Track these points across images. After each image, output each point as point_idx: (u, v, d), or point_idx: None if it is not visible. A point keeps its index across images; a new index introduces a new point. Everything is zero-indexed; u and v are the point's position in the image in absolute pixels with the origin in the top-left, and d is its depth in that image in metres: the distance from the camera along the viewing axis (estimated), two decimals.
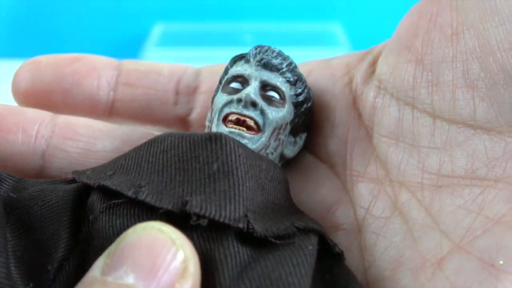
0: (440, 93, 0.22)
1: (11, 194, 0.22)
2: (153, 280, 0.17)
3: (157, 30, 0.72)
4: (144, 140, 0.26)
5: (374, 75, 0.25)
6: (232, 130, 0.23)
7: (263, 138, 0.24)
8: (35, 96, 0.28)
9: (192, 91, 0.29)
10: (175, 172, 0.21)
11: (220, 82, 0.26)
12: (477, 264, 0.20)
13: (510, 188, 0.21)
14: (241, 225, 0.19)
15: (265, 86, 0.24)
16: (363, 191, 0.24)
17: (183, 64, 0.30)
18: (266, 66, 0.25)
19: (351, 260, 0.23)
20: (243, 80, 0.24)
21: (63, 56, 0.28)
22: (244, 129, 0.23)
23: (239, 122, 0.23)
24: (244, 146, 0.22)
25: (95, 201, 0.21)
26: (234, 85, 0.25)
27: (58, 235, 0.20)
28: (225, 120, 0.24)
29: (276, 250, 0.20)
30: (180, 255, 0.17)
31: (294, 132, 0.25)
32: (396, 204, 0.23)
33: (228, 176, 0.20)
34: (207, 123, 0.25)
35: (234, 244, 0.20)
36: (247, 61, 0.25)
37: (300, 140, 0.26)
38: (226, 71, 0.26)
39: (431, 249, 0.21)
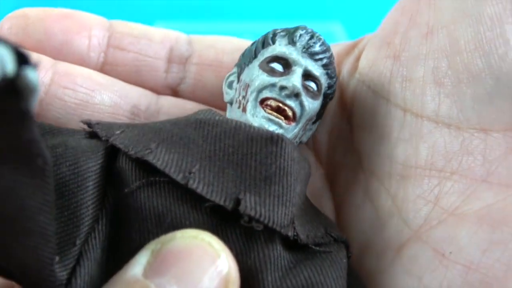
0: (412, 88, 0.23)
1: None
2: None
3: None
4: (144, 100, 0.26)
5: (357, 69, 0.26)
6: (271, 117, 0.23)
7: (297, 129, 0.24)
8: None
9: (184, 60, 0.29)
10: (228, 164, 0.20)
11: (254, 53, 0.25)
12: (431, 253, 0.21)
13: (464, 181, 0.21)
14: (290, 233, 0.20)
15: (306, 75, 0.24)
16: (341, 179, 0.25)
17: (175, 31, 0.29)
18: (312, 55, 0.24)
19: None
20: (286, 64, 0.24)
21: (52, 10, 0.28)
22: (283, 118, 0.23)
23: (278, 110, 0.23)
24: (296, 149, 0.22)
25: (129, 170, 0.20)
26: (275, 65, 0.24)
27: (85, 204, 0.20)
28: (262, 102, 0.23)
29: (315, 259, 0.20)
30: (224, 275, 0.17)
31: (314, 120, 0.25)
32: (367, 192, 0.24)
33: (283, 181, 0.20)
34: (236, 96, 0.24)
35: (278, 248, 0.19)
36: (293, 43, 0.24)
37: (315, 126, 0.26)
38: (264, 44, 0.25)
39: (393, 235, 0.23)
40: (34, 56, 0.26)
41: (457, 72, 0.22)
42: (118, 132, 0.22)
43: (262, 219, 0.19)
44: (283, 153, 0.21)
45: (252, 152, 0.21)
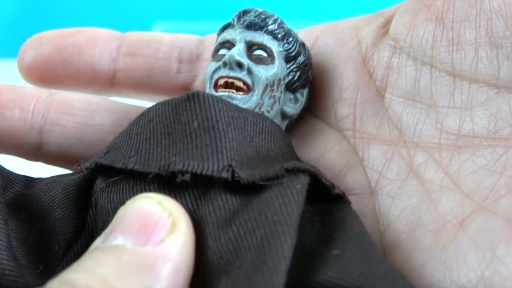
0: (461, 52, 0.21)
1: (24, 192, 0.22)
2: (142, 238, 0.17)
3: (157, 30, 0.72)
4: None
5: (387, 36, 0.24)
6: (222, 93, 0.23)
7: (254, 97, 0.24)
8: (38, 70, 0.28)
9: (195, 58, 0.28)
10: (161, 137, 0.21)
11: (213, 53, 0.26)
12: (503, 223, 0.19)
13: None
14: (224, 175, 0.19)
15: (251, 46, 0.24)
16: (375, 153, 0.23)
17: (186, 34, 0.29)
18: (250, 26, 0.24)
19: (365, 224, 0.22)
20: (230, 45, 0.24)
21: (65, 29, 0.28)
22: (234, 90, 0.23)
23: (227, 85, 0.23)
24: (225, 101, 0.22)
25: (98, 183, 0.21)
26: (222, 51, 0.25)
27: (66, 220, 0.21)
28: (215, 86, 0.24)
29: (264, 192, 0.19)
30: (167, 214, 0.18)
31: (292, 89, 0.25)
32: (411, 166, 0.22)
33: (209, 131, 0.20)
34: None
35: (222, 195, 0.19)
36: (232, 26, 0.25)
37: (302, 96, 0.26)
38: (216, 41, 0.26)
39: (452, 210, 0.21)
40: (33, 88, 0.27)
41: None
42: (92, 158, 0.23)
43: (190, 169, 0.19)
44: (202, 106, 0.21)
45: (177, 118, 0.21)
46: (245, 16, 0.25)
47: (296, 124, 0.26)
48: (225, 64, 0.24)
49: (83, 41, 0.28)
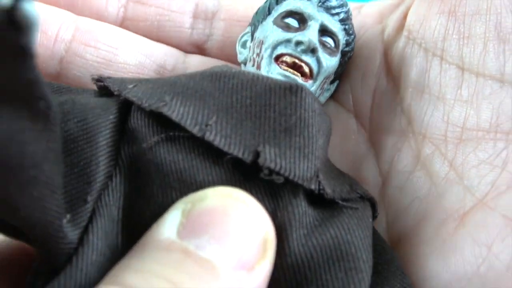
0: (471, 45, 0.21)
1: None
2: (235, 258, 0.16)
3: None
4: (170, 59, 0.24)
5: (405, 26, 0.24)
6: (287, 74, 0.22)
7: (314, 86, 0.22)
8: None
9: (211, 16, 0.27)
10: (246, 116, 0.19)
11: (268, 10, 0.24)
12: (501, 220, 0.20)
13: None
14: (313, 187, 0.18)
15: (323, 31, 0.23)
16: (388, 144, 0.23)
17: None
18: (328, 9, 0.23)
19: None
20: (301, 19, 0.23)
21: None
22: (299, 74, 0.22)
23: (294, 66, 0.22)
24: (317, 101, 0.21)
25: (145, 126, 0.19)
26: (290, 21, 0.23)
27: (96, 160, 0.19)
28: (277, 59, 0.22)
29: (342, 216, 0.19)
30: (263, 236, 0.16)
31: (332, 80, 0.24)
32: (419, 158, 0.22)
33: (304, 132, 0.19)
34: (250, 55, 0.23)
35: (303, 204, 0.18)
36: None
37: (333, 87, 0.25)
38: (277, 0, 0.24)
39: (455, 204, 0.21)
40: (58, 10, 0.25)
41: None
42: (130, 86, 0.21)
43: (282, 171, 0.18)
44: (303, 104, 0.20)
45: (270, 103, 0.20)
46: None
47: None
48: (299, 43, 0.22)
49: None
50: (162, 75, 0.26)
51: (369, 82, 0.25)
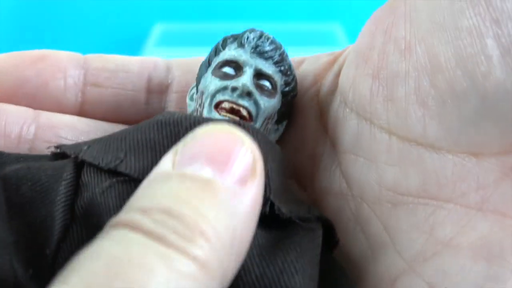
0: (394, 109, 0.21)
1: None
2: (228, 174, 0.16)
3: (157, 30, 0.72)
4: None
5: (338, 88, 0.24)
6: (226, 118, 0.23)
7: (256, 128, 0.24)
8: None
9: (164, 89, 0.28)
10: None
11: (208, 62, 0.25)
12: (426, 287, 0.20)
13: (459, 209, 0.20)
14: (267, 209, 0.19)
15: (259, 75, 0.24)
16: (329, 205, 0.24)
17: (152, 57, 0.28)
18: (261, 54, 0.24)
19: None
20: (237, 66, 0.24)
21: (25, 55, 0.27)
22: (238, 118, 0.23)
23: (233, 111, 0.23)
24: (258, 130, 0.22)
25: (97, 177, 0.20)
26: (227, 70, 0.24)
27: (52, 217, 0.20)
28: (217, 106, 0.23)
29: (294, 237, 0.20)
30: (250, 154, 0.17)
31: (278, 120, 0.25)
32: (358, 220, 0.23)
33: None
34: (193, 104, 0.25)
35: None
36: (241, 46, 0.24)
37: (282, 127, 0.26)
38: (216, 51, 0.25)
39: (387, 267, 0.21)
40: (17, 109, 0.25)
41: (441, 92, 0.20)
42: (85, 147, 0.22)
43: None
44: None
45: None
46: (257, 41, 0.24)
47: None
48: (234, 89, 0.23)
49: (47, 70, 0.26)
50: None
51: (308, 145, 0.25)
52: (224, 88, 0.23)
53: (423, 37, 0.20)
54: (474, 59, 0.19)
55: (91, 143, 0.22)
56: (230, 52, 0.24)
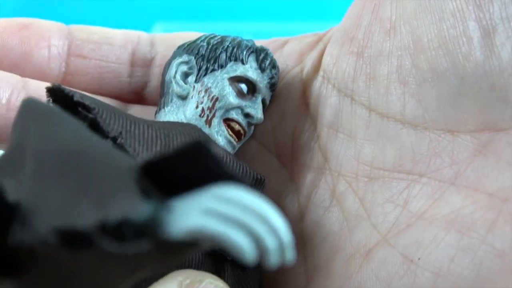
0: (376, 87, 0.22)
1: None
2: None
3: (157, 30, 0.72)
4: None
5: (321, 65, 0.25)
6: (231, 140, 0.24)
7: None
8: None
9: (148, 63, 0.28)
10: None
11: (221, 62, 0.25)
12: (399, 258, 0.21)
13: (433, 184, 0.21)
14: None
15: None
16: (307, 180, 0.25)
17: (136, 31, 0.29)
18: (272, 86, 0.25)
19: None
20: (253, 89, 0.25)
21: (10, 22, 0.27)
22: (237, 139, 0.24)
23: (238, 133, 0.24)
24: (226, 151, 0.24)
25: None
26: (243, 87, 0.25)
27: None
28: (226, 123, 0.24)
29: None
30: None
31: None
32: (334, 194, 0.24)
33: None
34: (199, 101, 0.24)
35: (228, 267, 0.21)
36: (262, 70, 0.25)
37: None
38: (234, 57, 0.25)
39: (362, 240, 0.22)
40: (6, 75, 0.25)
41: (422, 71, 0.21)
42: (127, 127, 0.21)
43: None
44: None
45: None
46: (272, 70, 0.25)
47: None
48: (248, 116, 0.24)
49: (32, 39, 0.26)
50: None
51: (289, 121, 0.26)
52: (239, 108, 0.24)
53: (408, 18, 0.21)
54: (456, 40, 0.20)
55: (131, 125, 0.21)
56: (252, 73, 0.25)
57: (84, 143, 0.16)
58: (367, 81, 0.23)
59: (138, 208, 0.13)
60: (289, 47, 0.27)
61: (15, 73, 0.26)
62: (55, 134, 0.16)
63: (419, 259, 0.20)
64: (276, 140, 0.26)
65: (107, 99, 0.27)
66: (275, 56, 0.27)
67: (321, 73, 0.25)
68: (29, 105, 0.17)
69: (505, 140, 0.20)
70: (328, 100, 0.24)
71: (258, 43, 0.27)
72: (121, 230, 0.12)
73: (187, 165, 0.13)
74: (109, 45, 0.28)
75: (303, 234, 0.24)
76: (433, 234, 0.20)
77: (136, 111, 0.28)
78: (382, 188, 0.22)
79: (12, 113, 0.24)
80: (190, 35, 0.28)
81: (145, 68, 0.28)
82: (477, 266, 0.19)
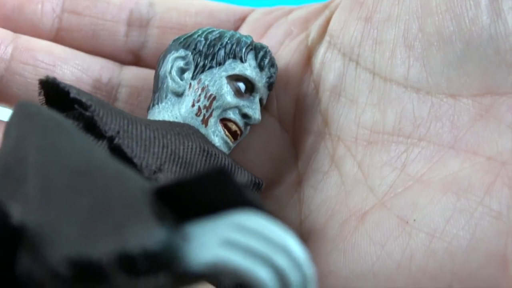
0: (382, 51, 0.23)
1: None
2: None
3: None
4: (106, 72, 0.25)
5: (327, 31, 0.25)
6: (227, 140, 0.24)
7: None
8: None
9: (145, 23, 0.28)
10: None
11: (219, 59, 0.24)
12: (395, 220, 0.21)
13: (432, 147, 0.21)
14: None
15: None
16: (307, 144, 0.25)
17: None
18: (270, 85, 0.25)
19: (289, 212, 0.24)
20: (251, 88, 0.24)
21: None
22: (233, 139, 0.24)
23: (234, 133, 0.24)
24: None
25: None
26: (241, 85, 0.24)
27: None
28: (222, 120, 0.24)
29: None
30: None
31: None
32: (333, 158, 0.24)
33: None
34: (195, 100, 0.24)
35: None
36: (261, 69, 0.25)
37: None
38: (232, 54, 0.24)
39: (358, 203, 0.22)
40: None
41: (428, 35, 0.21)
42: (124, 126, 0.20)
43: None
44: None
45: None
46: (271, 69, 0.25)
47: None
48: (245, 116, 0.24)
49: None
50: (98, 88, 0.26)
51: (292, 87, 0.26)
52: (237, 108, 0.24)
53: None
54: (464, 4, 0.21)
55: (128, 124, 0.20)
56: (251, 72, 0.24)
57: (93, 160, 0.14)
58: (374, 46, 0.23)
59: (155, 237, 0.12)
60: (294, 14, 0.27)
61: (6, 27, 0.26)
62: (60, 148, 0.14)
63: (414, 220, 0.20)
64: (279, 105, 0.26)
65: (102, 59, 0.27)
66: (280, 22, 0.27)
67: (327, 38, 0.25)
68: (27, 110, 0.16)
69: (507, 103, 0.20)
70: (332, 65, 0.24)
71: (263, 9, 0.27)
72: (138, 263, 0.11)
73: (206, 192, 0.13)
74: (105, 3, 0.27)
75: (300, 200, 0.24)
76: (430, 196, 0.21)
77: (132, 72, 0.27)
78: (380, 151, 0.22)
79: (0, 65, 0.25)
80: (190, 2, 0.28)
81: (143, 28, 0.27)
82: (472, 227, 0.19)
